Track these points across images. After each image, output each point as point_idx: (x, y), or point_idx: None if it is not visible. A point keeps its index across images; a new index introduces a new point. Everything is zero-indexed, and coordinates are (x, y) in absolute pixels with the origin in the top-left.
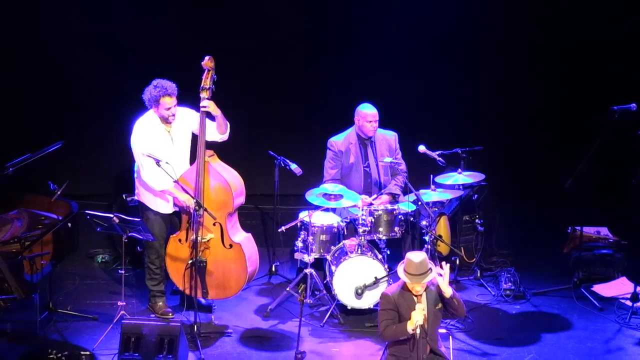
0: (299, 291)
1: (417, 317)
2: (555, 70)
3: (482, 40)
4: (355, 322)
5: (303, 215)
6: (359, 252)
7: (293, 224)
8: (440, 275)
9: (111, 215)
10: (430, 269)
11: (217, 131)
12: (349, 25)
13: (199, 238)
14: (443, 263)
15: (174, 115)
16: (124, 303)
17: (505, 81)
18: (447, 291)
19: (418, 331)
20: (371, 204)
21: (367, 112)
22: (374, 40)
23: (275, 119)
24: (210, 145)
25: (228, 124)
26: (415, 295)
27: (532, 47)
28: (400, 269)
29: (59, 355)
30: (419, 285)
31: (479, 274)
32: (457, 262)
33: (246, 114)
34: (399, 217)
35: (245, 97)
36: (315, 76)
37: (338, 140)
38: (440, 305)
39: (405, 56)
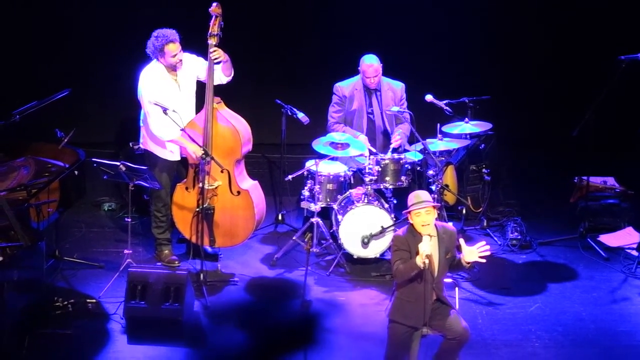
0: (306, 240)
1: (424, 247)
2: (563, 18)
3: None
4: (361, 271)
5: (310, 164)
6: (366, 201)
7: (300, 172)
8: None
9: (118, 163)
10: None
11: (222, 74)
12: None
13: (206, 185)
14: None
15: (180, 61)
16: (130, 251)
17: (512, 30)
18: (467, 264)
19: (427, 261)
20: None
21: (366, 68)
22: None
23: (282, 67)
24: (216, 92)
25: (232, 66)
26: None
27: None
28: (405, 211)
29: (65, 303)
30: (427, 214)
31: (485, 224)
32: (464, 211)
33: (253, 62)
34: (406, 166)
35: (253, 45)
36: (322, 24)
37: (343, 85)
38: (449, 255)
39: (413, 4)
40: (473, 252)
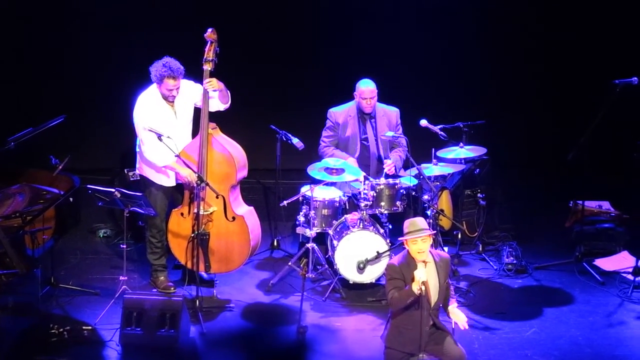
0: (301, 266)
1: (420, 274)
2: (557, 42)
3: (482, 13)
4: (357, 296)
5: (305, 190)
6: (361, 226)
7: (295, 198)
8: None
9: (113, 190)
10: (430, 229)
11: (220, 101)
12: None
13: (201, 211)
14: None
15: (174, 96)
16: (126, 278)
17: (506, 54)
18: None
19: (423, 288)
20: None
21: (363, 89)
22: (376, 14)
23: (277, 93)
24: (212, 117)
25: (229, 93)
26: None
27: (533, 19)
28: (401, 238)
29: (61, 330)
30: (422, 241)
31: (480, 248)
32: (459, 236)
33: (248, 87)
34: (401, 191)
35: (247, 71)
36: (317, 50)
37: (337, 112)
38: (445, 282)
39: (407, 30)
40: (459, 317)
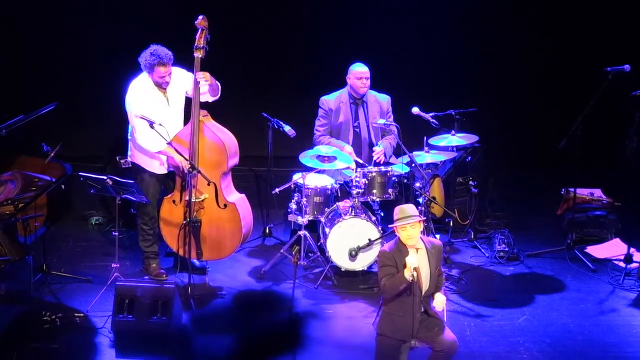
0: (293, 253)
1: (412, 260)
2: (550, 30)
3: (477, 2)
4: (348, 284)
5: (297, 177)
6: (353, 214)
7: (287, 185)
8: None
9: (105, 177)
10: (420, 215)
11: (209, 94)
12: None
13: (193, 198)
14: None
15: (167, 82)
16: (118, 265)
17: (499, 42)
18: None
19: (415, 274)
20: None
21: (357, 69)
22: (368, 1)
23: (268, 80)
24: (203, 105)
25: (219, 85)
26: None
27: (527, 9)
28: (391, 225)
29: (53, 316)
30: (412, 228)
31: (472, 236)
32: (451, 224)
33: (240, 75)
34: (393, 179)
35: (239, 58)
36: (309, 37)
37: (330, 99)
38: (437, 269)
39: (400, 18)
40: (438, 300)
